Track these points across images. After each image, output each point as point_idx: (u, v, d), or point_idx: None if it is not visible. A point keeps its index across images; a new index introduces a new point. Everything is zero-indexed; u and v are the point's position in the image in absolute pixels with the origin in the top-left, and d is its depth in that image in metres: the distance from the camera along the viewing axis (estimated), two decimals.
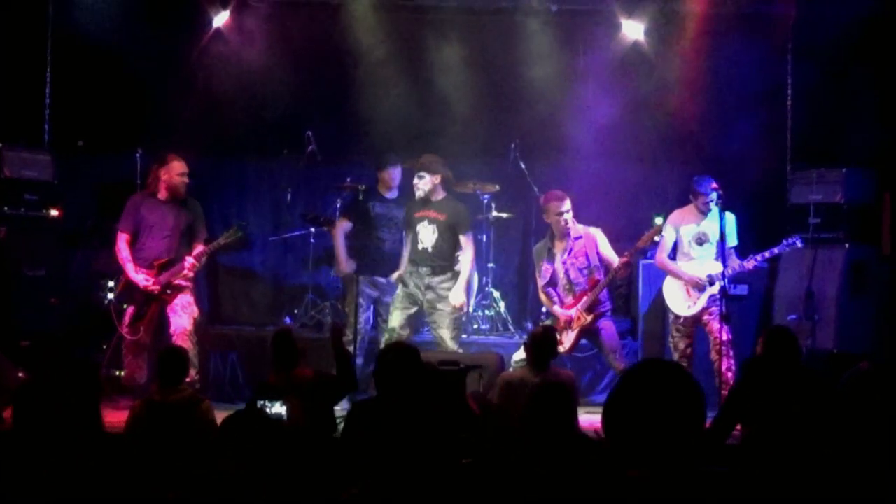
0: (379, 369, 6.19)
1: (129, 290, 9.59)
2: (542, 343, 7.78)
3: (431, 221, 9.87)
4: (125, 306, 9.60)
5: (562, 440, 5.12)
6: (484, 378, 8.49)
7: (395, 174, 10.46)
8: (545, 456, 4.96)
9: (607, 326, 9.52)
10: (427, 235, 9.87)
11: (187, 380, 7.59)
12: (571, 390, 6.67)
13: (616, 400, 3.40)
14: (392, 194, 10.49)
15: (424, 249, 9.87)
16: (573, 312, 9.48)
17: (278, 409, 8.80)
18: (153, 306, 9.62)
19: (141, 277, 9.55)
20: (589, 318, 9.41)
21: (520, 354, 9.13)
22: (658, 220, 9.79)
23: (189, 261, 9.62)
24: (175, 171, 9.71)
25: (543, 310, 10.30)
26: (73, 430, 4.56)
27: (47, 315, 10.30)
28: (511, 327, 11.26)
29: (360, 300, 9.90)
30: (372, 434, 5.81)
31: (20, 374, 8.54)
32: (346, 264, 10.26)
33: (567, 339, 9.51)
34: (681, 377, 3.36)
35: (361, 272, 9.93)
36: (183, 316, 9.63)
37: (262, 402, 6.42)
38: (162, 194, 9.74)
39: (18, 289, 10.16)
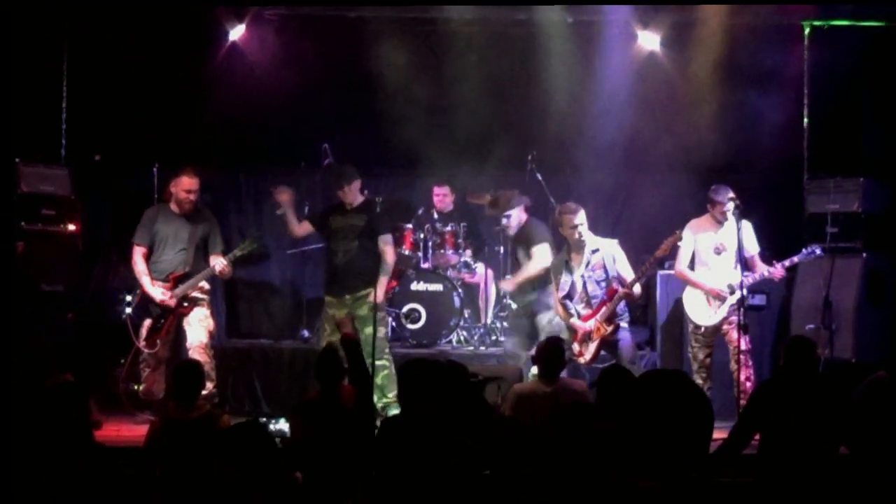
0: (404, 386, 6.09)
1: (146, 304, 9.61)
2: (549, 354, 7.76)
3: None
4: (142, 320, 9.62)
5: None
6: (502, 390, 8.49)
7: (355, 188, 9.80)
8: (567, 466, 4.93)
9: (625, 337, 9.48)
10: None
11: (204, 393, 7.53)
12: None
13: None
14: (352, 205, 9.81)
15: None
16: (592, 324, 9.45)
17: (281, 425, 8.79)
18: (170, 319, 9.63)
19: (157, 291, 9.56)
20: (609, 329, 9.38)
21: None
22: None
23: (221, 262, 9.61)
24: (182, 186, 9.71)
25: None
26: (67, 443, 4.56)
27: (65, 330, 10.27)
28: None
29: (326, 324, 9.70)
30: (398, 450, 5.74)
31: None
32: (297, 227, 10.07)
33: (588, 351, 9.49)
34: (686, 386, 3.33)
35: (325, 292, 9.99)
36: (199, 329, 9.63)
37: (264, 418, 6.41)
38: (175, 207, 9.77)
39: (36, 304, 10.14)
